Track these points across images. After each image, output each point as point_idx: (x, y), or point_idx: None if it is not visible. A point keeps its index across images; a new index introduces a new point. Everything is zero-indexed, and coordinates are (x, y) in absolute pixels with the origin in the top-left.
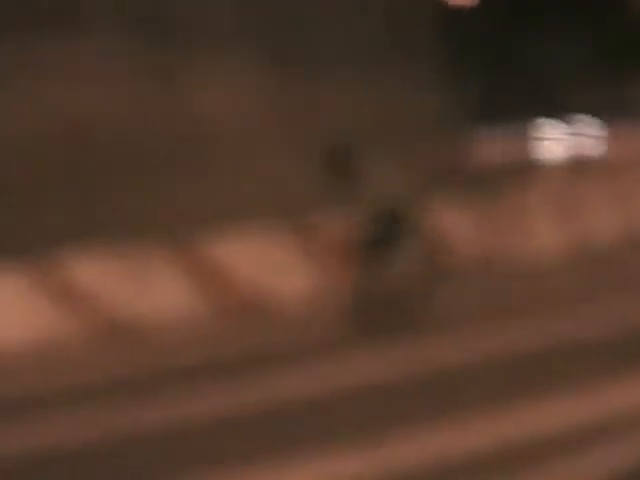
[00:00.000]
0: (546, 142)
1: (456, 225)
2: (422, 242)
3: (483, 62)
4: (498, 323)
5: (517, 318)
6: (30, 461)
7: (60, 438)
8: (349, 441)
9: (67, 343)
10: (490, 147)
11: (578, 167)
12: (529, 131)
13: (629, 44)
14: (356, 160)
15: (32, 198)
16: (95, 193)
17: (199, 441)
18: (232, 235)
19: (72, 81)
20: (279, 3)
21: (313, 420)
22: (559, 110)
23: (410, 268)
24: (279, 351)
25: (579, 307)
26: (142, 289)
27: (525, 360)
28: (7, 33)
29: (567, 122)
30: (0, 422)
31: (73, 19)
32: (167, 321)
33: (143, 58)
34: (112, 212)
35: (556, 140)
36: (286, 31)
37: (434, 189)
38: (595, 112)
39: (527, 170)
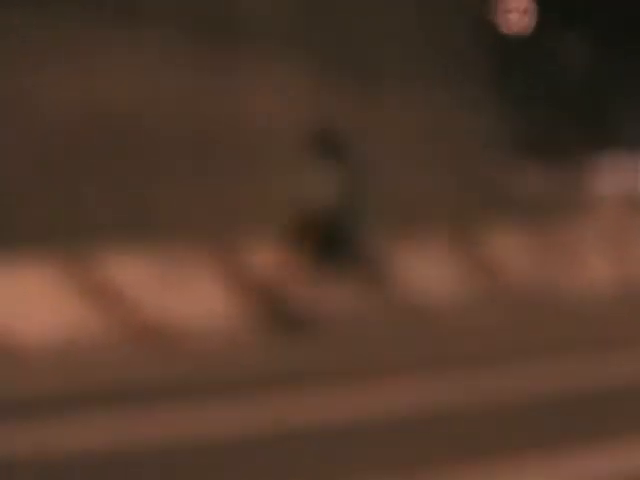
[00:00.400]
0: (601, 176)
1: (508, 253)
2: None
3: (539, 91)
4: (521, 360)
5: (547, 356)
6: (41, 464)
7: (73, 442)
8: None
9: (96, 343)
10: (545, 178)
11: (632, 201)
12: (585, 164)
13: None
14: (342, 147)
15: (74, 189)
16: (133, 191)
17: (205, 458)
18: (269, 244)
19: (118, 71)
20: (337, 15)
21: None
22: (615, 144)
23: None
24: (302, 368)
25: (619, 349)
26: (178, 293)
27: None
28: (69, 21)
29: (623, 156)
30: (15, 422)
31: (132, 11)
32: (201, 328)
33: (196, 54)
34: (150, 211)
35: (611, 174)
36: (339, 43)
37: (485, 215)
38: None
39: (581, 203)
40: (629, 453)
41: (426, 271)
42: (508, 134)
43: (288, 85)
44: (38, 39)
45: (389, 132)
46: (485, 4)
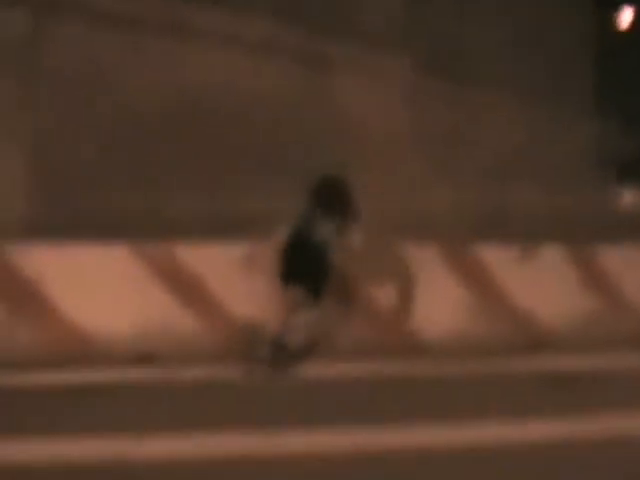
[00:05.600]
0: None
1: (621, 273)
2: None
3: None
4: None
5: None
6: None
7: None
8: None
9: (183, 339)
10: None
11: None
12: None
13: None
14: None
15: (157, 175)
16: (220, 185)
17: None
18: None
19: (212, 52)
20: (444, 17)
21: None
22: None
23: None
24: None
25: None
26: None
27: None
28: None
29: None
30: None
31: None
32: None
33: (289, 40)
34: (233, 203)
35: None
36: (444, 43)
37: (593, 233)
38: None
39: None
40: None
41: (539, 291)
42: (610, 149)
43: (386, 83)
44: (126, 16)
45: (481, 140)
46: (592, 14)
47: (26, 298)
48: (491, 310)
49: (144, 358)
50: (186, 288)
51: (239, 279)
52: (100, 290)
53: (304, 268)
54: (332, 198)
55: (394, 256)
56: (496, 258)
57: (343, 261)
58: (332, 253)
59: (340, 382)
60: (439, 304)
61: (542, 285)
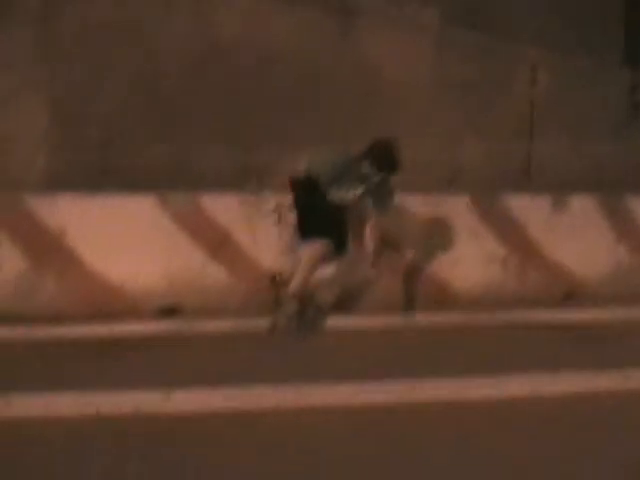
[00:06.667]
0: None
1: None
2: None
3: None
4: None
5: None
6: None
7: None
8: None
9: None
10: None
11: None
12: None
13: None
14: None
15: (185, 130)
16: (247, 137)
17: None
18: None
19: (240, 4)
20: None
21: None
22: None
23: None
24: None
25: None
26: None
27: None
28: None
29: None
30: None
31: None
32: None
33: None
34: (263, 157)
35: None
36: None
37: (625, 186)
38: None
39: None
40: None
41: (570, 242)
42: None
43: (417, 40)
44: None
45: (512, 92)
46: None
47: (51, 250)
48: (522, 262)
49: (170, 311)
50: (212, 240)
51: (266, 231)
52: (125, 242)
53: (324, 220)
54: (377, 159)
55: (407, 212)
56: (527, 210)
57: (372, 217)
58: (355, 209)
59: (369, 335)
60: (470, 256)
61: (573, 237)
